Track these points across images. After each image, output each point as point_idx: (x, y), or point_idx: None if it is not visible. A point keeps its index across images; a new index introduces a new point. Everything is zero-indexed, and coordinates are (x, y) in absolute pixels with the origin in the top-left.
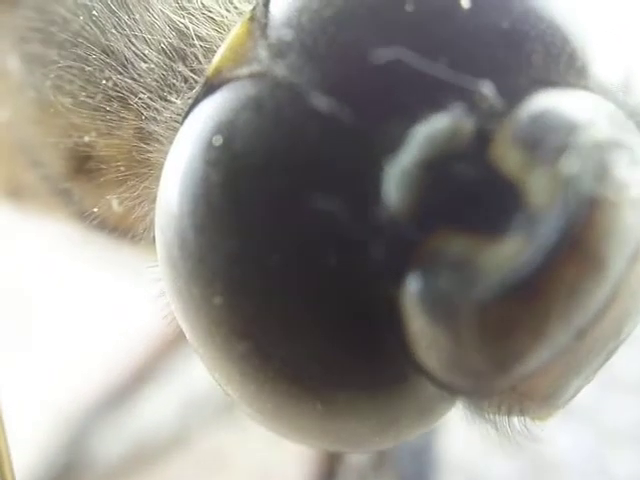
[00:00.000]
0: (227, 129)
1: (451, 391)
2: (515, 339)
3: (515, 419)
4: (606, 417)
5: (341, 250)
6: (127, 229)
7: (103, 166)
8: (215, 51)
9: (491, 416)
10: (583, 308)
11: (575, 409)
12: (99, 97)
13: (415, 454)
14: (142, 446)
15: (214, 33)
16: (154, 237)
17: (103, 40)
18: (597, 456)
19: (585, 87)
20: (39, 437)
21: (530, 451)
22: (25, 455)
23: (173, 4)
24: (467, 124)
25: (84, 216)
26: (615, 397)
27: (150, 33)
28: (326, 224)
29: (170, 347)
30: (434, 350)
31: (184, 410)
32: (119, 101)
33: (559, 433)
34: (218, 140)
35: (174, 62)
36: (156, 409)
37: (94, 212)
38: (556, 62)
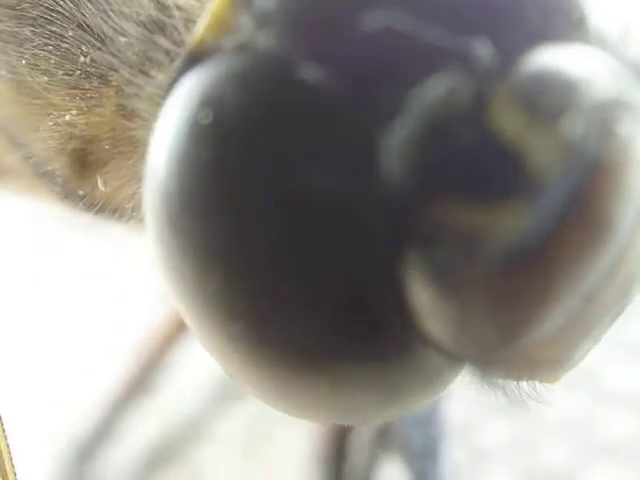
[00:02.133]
0: (212, 103)
1: (458, 360)
2: (523, 307)
3: (523, 383)
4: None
5: (340, 224)
6: (114, 209)
7: (86, 145)
8: (196, 21)
9: (499, 382)
10: (591, 271)
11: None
12: (77, 74)
13: (421, 426)
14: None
15: (194, 2)
16: (143, 216)
17: (79, 15)
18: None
19: (584, 40)
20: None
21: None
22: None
23: None
24: (464, 87)
25: (70, 197)
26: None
27: (127, 5)
28: (323, 199)
29: (161, 353)
30: (440, 321)
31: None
32: (98, 78)
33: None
34: (203, 115)
35: (154, 35)
36: (151, 419)
37: (80, 193)
38: (553, 16)
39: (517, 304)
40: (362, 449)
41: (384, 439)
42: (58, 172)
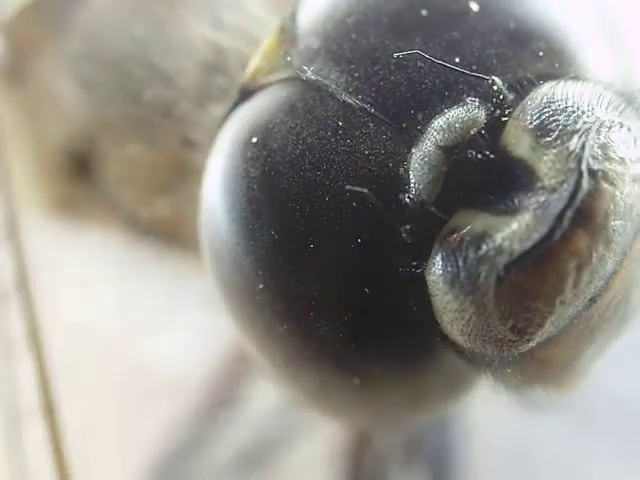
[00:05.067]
0: (263, 128)
1: (475, 362)
2: (531, 308)
3: (538, 389)
4: None
5: (372, 234)
6: (174, 231)
7: (149, 172)
8: (248, 61)
9: (515, 385)
10: (593, 277)
11: None
12: (143, 108)
13: (436, 430)
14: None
15: (246, 44)
16: (200, 236)
17: (146, 58)
18: None
19: (586, 79)
20: None
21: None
22: None
23: (208, 23)
24: (481, 114)
25: (134, 220)
26: None
27: (188, 49)
28: (357, 211)
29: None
30: (458, 321)
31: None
32: (161, 111)
33: None
34: (253, 138)
35: (211, 73)
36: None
37: (143, 216)
38: (559, 57)
39: (525, 305)
40: (379, 451)
41: (406, 459)
42: (123, 198)
